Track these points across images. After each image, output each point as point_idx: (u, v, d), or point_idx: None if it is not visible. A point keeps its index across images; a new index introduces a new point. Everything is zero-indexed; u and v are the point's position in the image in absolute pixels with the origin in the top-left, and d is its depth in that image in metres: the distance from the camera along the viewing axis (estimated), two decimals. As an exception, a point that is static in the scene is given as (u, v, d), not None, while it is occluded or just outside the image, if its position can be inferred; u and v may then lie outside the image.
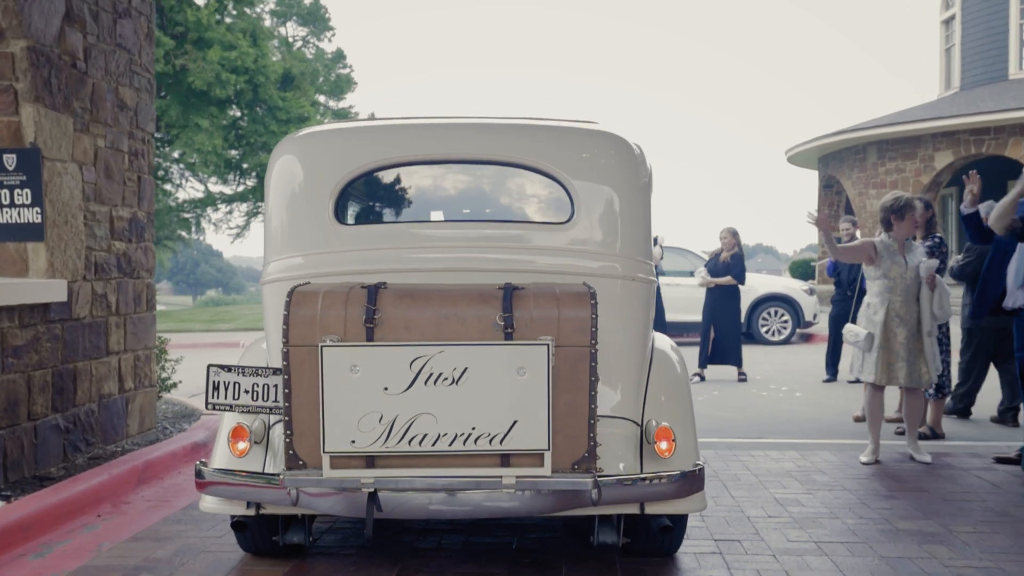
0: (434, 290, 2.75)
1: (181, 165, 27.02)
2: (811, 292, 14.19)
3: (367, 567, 3.33)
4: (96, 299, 5.02)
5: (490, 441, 2.58)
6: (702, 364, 9.32)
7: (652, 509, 2.96)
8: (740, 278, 9.42)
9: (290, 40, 43.18)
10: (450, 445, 2.58)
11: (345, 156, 3.29)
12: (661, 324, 11.34)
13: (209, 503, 3.01)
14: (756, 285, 14.23)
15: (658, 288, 11.88)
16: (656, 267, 12.92)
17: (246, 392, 2.94)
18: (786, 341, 13.48)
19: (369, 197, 3.80)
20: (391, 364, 2.55)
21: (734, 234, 9.58)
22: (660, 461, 2.95)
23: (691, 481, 2.83)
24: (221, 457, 2.99)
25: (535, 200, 3.76)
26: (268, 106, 26.03)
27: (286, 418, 2.62)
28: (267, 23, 42.27)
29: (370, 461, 2.60)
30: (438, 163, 3.52)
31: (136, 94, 5.54)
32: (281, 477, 2.65)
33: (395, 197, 3.88)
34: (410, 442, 2.57)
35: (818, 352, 11.89)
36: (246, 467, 2.90)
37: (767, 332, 13.66)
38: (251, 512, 2.97)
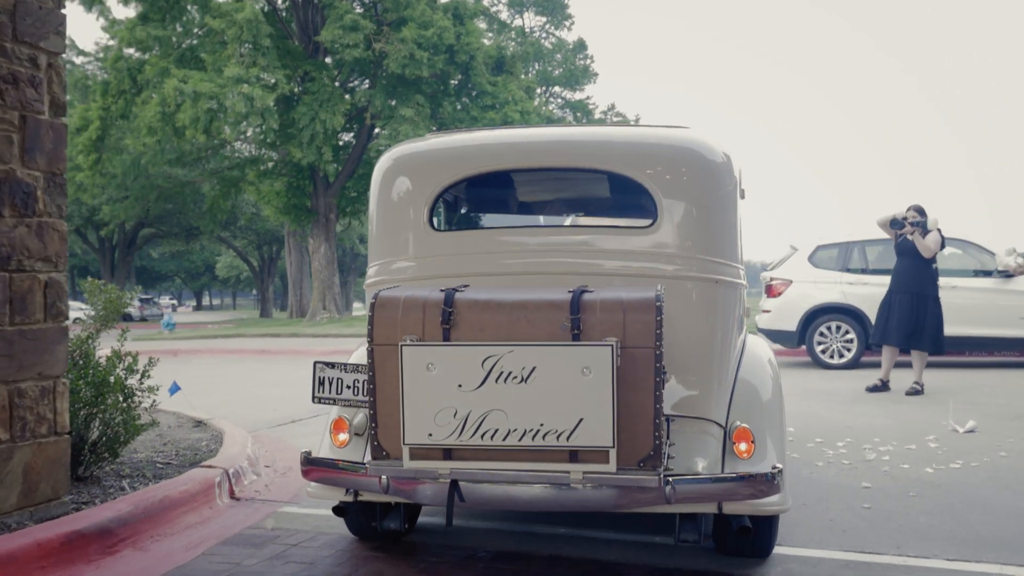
0: (507, 293, 2.99)
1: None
2: None
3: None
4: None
5: (557, 438, 2.78)
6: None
7: (730, 509, 3.08)
8: None
9: (527, 30, 42.47)
10: (520, 440, 2.81)
11: (439, 167, 3.68)
12: (936, 340, 8.16)
13: (314, 489, 3.44)
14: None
15: (934, 295, 8.47)
16: (932, 262, 9.15)
17: (347, 387, 3.28)
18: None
19: (461, 205, 4.24)
20: (464, 363, 2.83)
21: None
22: (739, 462, 3.15)
23: (765, 482, 2.92)
24: (324, 447, 3.45)
25: (620, 205, 4.16)
26: (478, 92, 24.42)
27: (371, 412, 2.98)
28: (503, 15, 41.69)
29: (447, 453, 2.90)
30: (526, 171, 3.85)
31: (16, -12, 3.60)
32: (367, 466, 3.02)
33: (484, 204, 4.38)
34: (482, 436, 2.83)
35: None
36: (346, 457, 3.32)
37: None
38: (350, 498, 3.37)
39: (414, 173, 3.73)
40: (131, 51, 25.36)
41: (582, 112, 43.17)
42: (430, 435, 2.85)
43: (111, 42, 25.67)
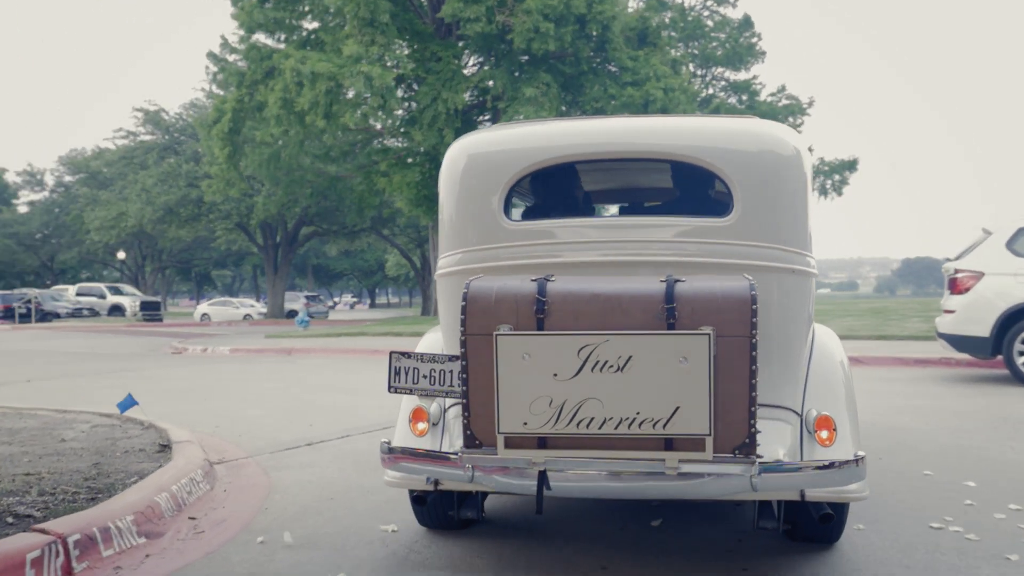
0: (599, 283, 3.09)
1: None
2: None
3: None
4: None
5: (653, 426, 2.87)
6: None
7: (812, 496, 3.26)
8: None
9: (685, 7, 40.00)
10: (615, 429, 2.91)
11: (513, 156, 3.76)
12: None
13: (392, 477, 3.63)
14: None
15: None
16: None
17: (424, 377, 3.37)
18: None
19: (536, 194, 4.36)
20: (560, 352, 2.92)
21: None
22: (821, 450, 3.32)
23: (852, 470, 3.04)
24: (402, 436, 3.60)
25: (694, 195, 4.15)
26: (617, 67, 22.24)
27: (464, 401, 3.10)
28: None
29: (541, 442, 3.00)
30: (602, 161, 3.96)
31: None
32: (460, 455, 3.13)
33: (559, 193, 4.28)
34: (578, 425, 2.92)
35: None
36: (424, 446, 3.50)
37: None
38: (430, 487, 3.54)
39: (487, 163, 3.83)
40: (260, 37, 24.96)
41: (747, 94, 39.97)
42: (525, 424, 2.97)
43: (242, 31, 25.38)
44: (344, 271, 79.41)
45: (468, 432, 3.07)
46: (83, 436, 6.31)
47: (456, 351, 3.50)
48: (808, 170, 3.68)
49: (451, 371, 3.31)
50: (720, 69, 41.16)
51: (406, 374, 3.37)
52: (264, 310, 46.99)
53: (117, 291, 48.12)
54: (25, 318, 37.67)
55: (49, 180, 67.74)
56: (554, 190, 4.30)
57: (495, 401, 2.95)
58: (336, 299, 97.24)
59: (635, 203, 5.36)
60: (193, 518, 4.42)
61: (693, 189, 4.20)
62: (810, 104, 41.33)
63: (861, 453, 3.09)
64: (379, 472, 5.24)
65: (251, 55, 24.42)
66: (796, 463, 3.13)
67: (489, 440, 3.04)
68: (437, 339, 4.13)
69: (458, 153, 3.91)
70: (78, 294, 47.18)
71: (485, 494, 4.00)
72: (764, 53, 42.05)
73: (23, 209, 66.27)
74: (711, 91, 40.39)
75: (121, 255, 58.89)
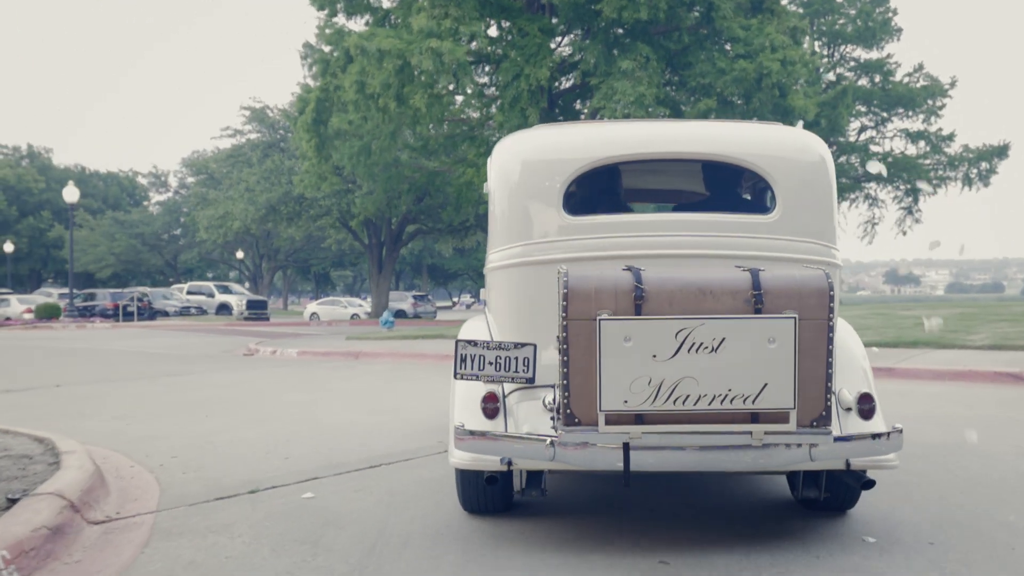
0: (688, 273, 3.40)
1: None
2: None
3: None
4: None
5: (744, 401, 3.20)
6: None
7: (856, 465, 3.60)
8: None
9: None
10: (709, 405, 3.23)
11: (573, 153, 4.07)
12: None
13: (462, 458, 3.77)
14: None
15: None
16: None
17: (490, 364, 3.63)
18: None
19: (584, 190, 4.52)
20: (658, 335, 3.22)
21: None
22: (860, 422, 3.70)
23: (896, 440, 3.40)
24: (473, 420, 3.81)
25: (729, 194, 4.49)
26: (729, 38, 19.92)
27: (564, 382, 3.35)
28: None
29: (638, 418, 3.30)
30: (657, 161, 4.43)
31: None
32: (559, 433, 3.39)
33: (616, 190, 4.58)
34: (675, 402, 3.23)
35: None
36: (495, 428, 3.75)
37: None
38: (504, 468, 3.69)
39: (544, 169, 4.08)
40: (342, 20, 23.80)
41: (879, 74, 36.58)
42: (625, 402, 3.22)
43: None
44: (459, 271, 78.89)
45: (568, 411, 3.32)
46: (-32, 474, 4.94)
47: (518, 339, 3.90)
48: (832, 173, 4.16)
49: (516, 358, 3.61)
50: (849, 47, 37.94)
51: (472, 361, 3.63)
52: (370, 309, 46.42)
53: (226, 290, 49.20)
54: (130, 316, 38.18)
55: (173, 181, 69.98)
56: (602, 187, 4.57)
57: (596, 381, 3.24)
58: (455, 299, 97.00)
59: (671, 201, 5.88)
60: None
61: (725, 189, 4.56)
62: (952, 85, 37.74)
63: (899, 426, 3.48)
64: (300, 549, 3.73)
65: (332, 39, 23.26)
66: (853, 434, 3.49)
67: (587, 418, 3.29)
68: (479, 327, 4.48)
69: (510, 158, 4.23)
70: (188, 292, 48.64)
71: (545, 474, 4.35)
72: (900, 30, 38.60)
73: (154, 210, 68.55)
74: (839, 71, 37.18)
75: (240, 254, 59.78)
